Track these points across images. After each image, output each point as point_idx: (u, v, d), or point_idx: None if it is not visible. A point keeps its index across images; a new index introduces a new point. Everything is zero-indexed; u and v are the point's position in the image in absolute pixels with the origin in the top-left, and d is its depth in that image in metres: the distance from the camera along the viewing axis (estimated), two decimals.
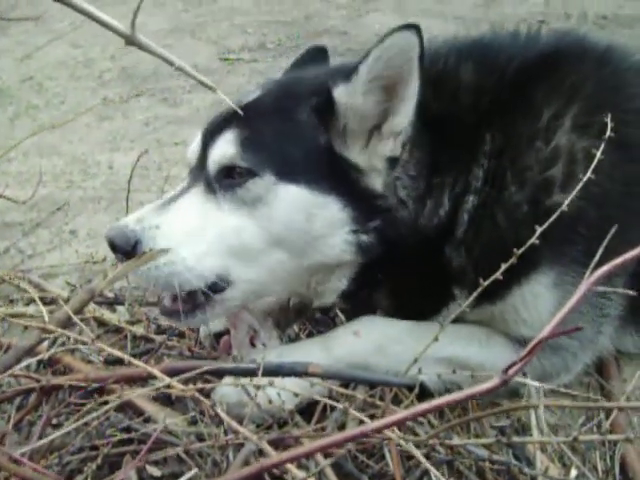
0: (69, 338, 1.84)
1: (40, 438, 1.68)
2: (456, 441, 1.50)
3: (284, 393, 1.71)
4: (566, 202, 1.59)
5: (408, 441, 1.31)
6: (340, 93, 1.86)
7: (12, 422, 1.81)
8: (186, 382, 1.65)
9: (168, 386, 1.53)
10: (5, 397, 1.82)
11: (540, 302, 1.93)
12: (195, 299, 1.90)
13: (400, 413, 1.07)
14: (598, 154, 1.63)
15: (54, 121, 4.54)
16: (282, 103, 1.95)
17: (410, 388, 1.74)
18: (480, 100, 1.97)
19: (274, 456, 1.19)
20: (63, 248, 3.21)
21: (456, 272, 1.97)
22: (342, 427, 1.79)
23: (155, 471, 1.73)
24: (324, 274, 1.99)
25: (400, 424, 1.27)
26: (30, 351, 1.77)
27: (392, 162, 1.90)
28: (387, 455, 1.67)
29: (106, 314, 2.48)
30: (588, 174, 1.61)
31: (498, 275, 1.49)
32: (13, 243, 3.26)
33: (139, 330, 2.36)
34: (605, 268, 1.00)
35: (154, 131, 4.45)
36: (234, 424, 1.41)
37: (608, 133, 1.66)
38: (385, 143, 1.89)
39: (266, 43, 5.96)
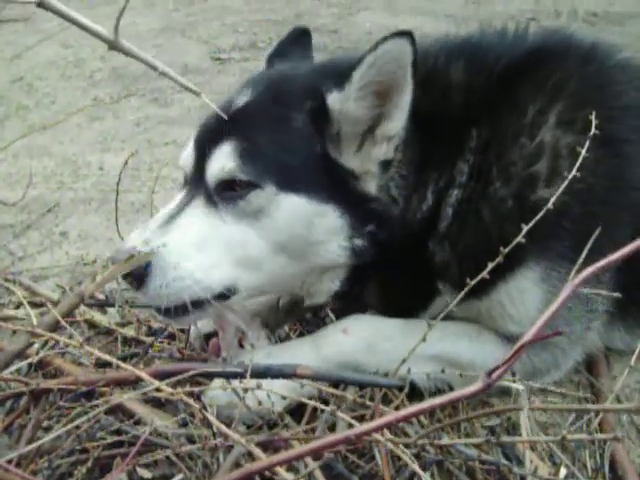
0: (58, 342, 1.84)
1: (30, 441, 1.67)
2: (446, 441, 1.51)
3: (274, 395, 1.71)
4: (552, 199, 1.60)
5: (397, 444, 1.31)
6: (334, 100, 1.87)
7: (2, 426, 1.80)
8: (176, 385, 1.65)
9: (158, 389, 1.52)
10: None
11: (527, 297, 1.94)
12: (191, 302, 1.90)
13: (387, 416, 1.08)
14: (583, 151, 1.64)
15: (44, 122, 4.53)
16: (276, 109, 1.94)
17: (400, 388, 1.75)
18: (469, 98, 1.98)
19: (263, 459, 1.19)
20: (54, 250, 3.20)
21: (440, 267, 1.99)
22: (332, 428, 1.79)
23: (145, 473, 1.73)
24: (317, 275, 2.01)
25: (386, 427, 1.27)
26: (19, 355, 1.76)
27: (385, 165, 1.92)
28: (377, 455, 1.67)
29: (97, 316, 2.47)
30: (574, 171, 1.61)
31: (485, 274, 1.49)
32: (3, 245, 3.25)
33: (130, 332, 2.36)
34: (590, 270, 1.01)
35: (145, 131, 4.44)
36: (223, 427, 1.41)
37: (593, 130, 1.67)
38: (379, 147, 1.90)
39: (257, 42, 5.96)
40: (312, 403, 1.56)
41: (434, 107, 1.94)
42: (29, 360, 1.87)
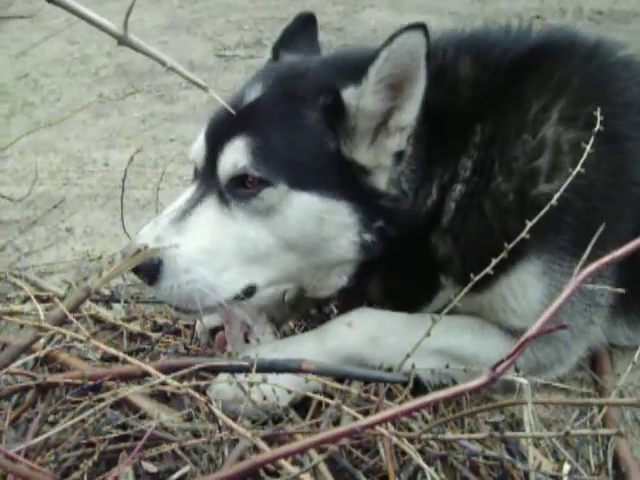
0: (65, 336, 1.85)
1: (36, 435, 1.68)
2: (449, 436, 1.52)
3: (278, 389, 1.72)
4: (556, 196, 1.61)
5: (401, 437, 1.32)
6: (350, 95, 1.88)
7: (9, 419, 1.82)
8: (181, 379, 1.66)
9: (163, 383, 1.54)
10: (2, 394, 1.82)
11: (529, 291, 1.95)
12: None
13: (391, 409, 1.09)
14: (588, 147, 1.65)
15: (50, 118, 4.53)
16: (288, 106, 1.94)
17: (404, 383, 1.75)
18: (476, 93, 2.00)
19: (268, 452, 1.19)
20: (59, 245, 3.21)
21: (442, 260, 2.00)
22: (337, 422, 1.81)
23: (151, 467, 1.74)
24: (326, 270, 2.02)
25: (393, 419, 1.28)
26: (26, 349, 1.78)
27: (398, 157, 1.93)
28: (381, 450, 1.68)
29: (102, 312, 2.49)
30: (578, 167, 1.62)
31: (488, 270, 1.50)
32: (9, 241, 3.26)
33: (135, 327, 2.37)
34: (593, 266, 1.02)
35: (150, 128, 4.45)
36: (229, 421, 1.42)
37: (597, 126, 1.68)
38: (392, 139, 1.91)
39: (262, 39, 5.96)
40: (317, 397, 1.57)
41: (442, 101, 1.95)
42: (35, 354, 1.88)
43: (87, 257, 3.06)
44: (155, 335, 2.27)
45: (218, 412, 1.44)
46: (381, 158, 1.92)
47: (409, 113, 1.88)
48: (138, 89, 5.10)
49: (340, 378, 1.83)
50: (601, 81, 2.06)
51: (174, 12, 6.95)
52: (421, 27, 1.76)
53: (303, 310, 2.30)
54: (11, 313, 2.39)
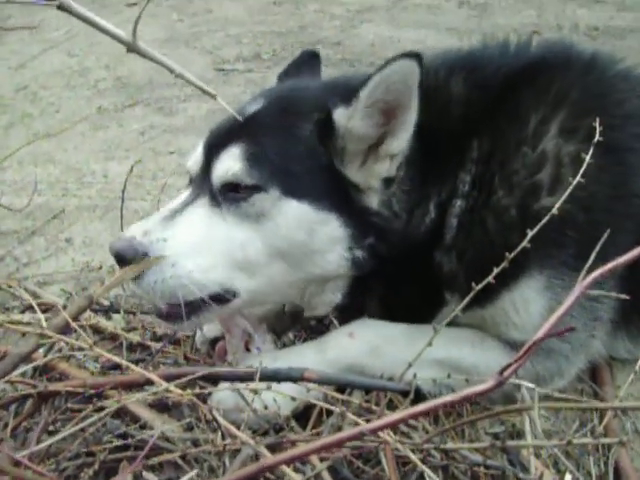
0: (67, 343, 1.85)
1: (37, 444, 1.68)
2: (451, 445, 1.51)
3: (280, 399, 1.72)
4: (555, 206, 1.61)
5: (404, 444, 1.32)
6: (340, 115, 1.90)
7: (9, 428, 1.81)
8: (183, 389, 1.66)
9: (167, 391, 1.53)
10: (3, 402, 1.82)
11: (530, 306, 1.95)
12: (192, 303, 1.91)
13: (396, 414, 1.09)
14: (587, 158, 1.66)
15: (49, 130, 4.54)
16: (285, 117, 1.98)
17: (405, 394, 1.75)
18: (468, 110, 2.01)
19: (274, 457, 1.19)
20: (59, 256, 3.21)
21: (447, 277, 2.00)
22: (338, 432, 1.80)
23: (151, 477, 1.73)
24: (318, 286, 2.02)
25: (396, 425, 1.28)
26: (27, 357, 1.77)
27: (387, 182, 1.94)
28: (383, 460, 1.68)
29: (102, 322, 2.48)
30: (577, 178, 1.63)
31: (490, 279, 1.51)
32: (8, 251, 3.26)
33: (135, 338, 2.36)
34: (598, 272, 1.02)
35: (149, 140, 4.46)
36: (232, 428, 1.42)
37: (597, 137, 1.69)
38: (381, 164, 1.93)
39: (261, 53, 5.98)
40: (321, 404, 1.57)
41: (434, 122, 1.95)
42: (35, 363, 1.88)
43: (86, 268, 3.06)
44: (155, 345, 2.27)
45: (221, 419, 1.44)
46: (371, 181, 1.93)
47: (400, 140, 1.90)
48: (137, 101, 5.11)
49: (342, 387, 1.83)
50: (600, 93, 2.08)
51: (173, 26, 6.98)
52: (416, 55, 1.79)
53: (304, 321, 2.30)
54: (11, 322, 2.38)
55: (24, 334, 1.74)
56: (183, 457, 1.68)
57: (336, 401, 1.72)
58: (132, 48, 1.28)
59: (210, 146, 2.00)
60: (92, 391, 1.69)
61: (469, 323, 2.04)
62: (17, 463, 1.38)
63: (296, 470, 1.57)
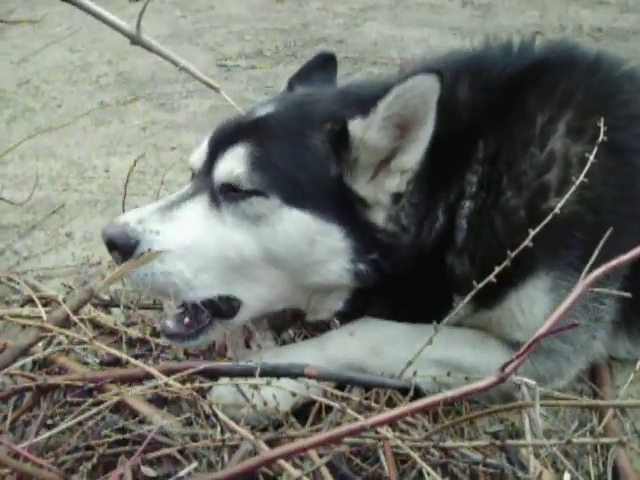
0: (67, 336, 1.85)
1: (35, 437, 1.68)
2: (449, 443, 1.51)
3: (279, 395, 1.72)
4: (559, 205, 1.61)
5: (404, 441, 1.31)
6: (355, 127, 1.88)
7: (8, 421, 1.81)
8: (182, 384, 1.66)
9: (166, 385, 1.53)
10: (1, 396, 1.81)
11: (536, 307, 1.95)
12: (200, 322, 1.92)
13: (395, 410, 1.08)
14: (591, 157, 1.65)
15: (51, 125, 4.53)
16: (296, 125, 1.95)
17: (404, 391, 1.75)
18: (474, 114, 2.00)
19: (275, 450, 1.19)
20: (59, 250, 3.21)
21: (459, 279, 1.98)
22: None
23: (150, 472, 1.73)
24: (321, 294, 2.01)
25: (395, 420, 1.28)
26: (27, 350, 1.77)
27: (397, 197, 1.93)
28: (381, 457, 1.68)
29: (101, 316, 2.48)
30: (581, 177, 1.63)
31: (492, 277, 1.51)
32: (9, 245, 3.26)
33: (134, 332, 2.36)
34: (602, 269, 1.02)
35: (151, 136, 4.45)
36: (231, 423, 1.42)
37: (601, 137, 1.68)
38: (392, 179, 1.91)
39: (263, 50, 5.98)
40: (320, 399, 1.56)
41: (441, 128, 1.91)
42: (35, 356, 1.87)
43: (87, 262, 3.05)
44: (155, 340, 2.26)
45: (220, 413, 1.44)
46: (379, 195, 1.91)
47: (413, 156, 1.88)
48: (139, 97, 5.10)
49: (342, 384, 1.83)
50: (605, 94, 2.07)
51: (176, 22, 6.97)
52: (437, 72, 1.77)
53: (304, 319, 2.29)
54: (12, 315, 2.38)
55: (24, 327, 1.74)
56: (182, 452, 1.68)
57: (335, 398, 1.72)
58: (136, 40, 1.28)
59: (216, 143, 1.98)
60: (91, 385, 1.69)
61: (474, 324, 2.04)
62: (16, 455, 1.38)
63: (295, 466, 1.56)
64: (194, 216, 1.90)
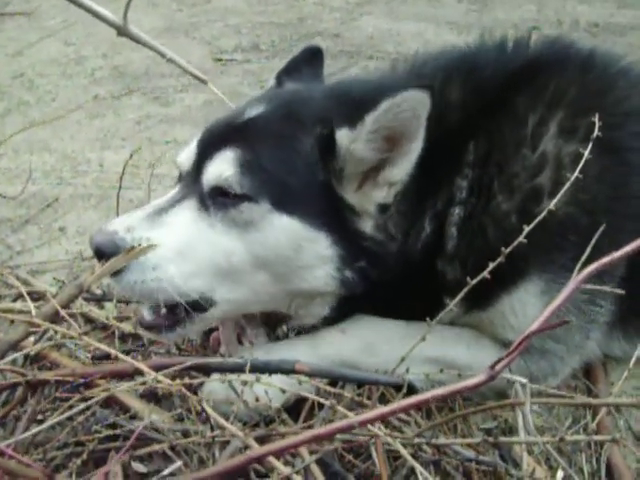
0: (56, 332, 1.83)
1: (25, 432, 1.66)
2: (442, 440, 1.50)
3: (271, 391, 1.71)
4: (552, 203, 1.59)
5: (395, 438, 1.30)
6: (342, 137, 1.85)
7: None
8: (173, 379, 1.64)
9: (155, 381, 1.52)
10: None
11: (528, 309, 1.94)
12: (176, 314, 1.89)
13: (387, 407, 1.07)
14: (584, 157, 1.63)
15: (45, 118, 4.51)
16: (286, 127, 1.92)
17: (397, 388, 1.74)
18: (465, 115, 1.97)
19: (263, 447, 1.18)
20: (52, 245, 3.19)
21: (451, 285, 1.95)
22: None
23: (140, 467, 1.72)
24: (305, 299, 1.99)
25: (387, 417, 1.27)
26: (16, 345, 1.76)
27: (383, 208, 1.90)
28: (373, 454, 1.67)
29: (93, 311, 2.46)
30: (574, 174, 1.61)
31: (485, 274, 1.50)
32: (1, 239, 3.24)
33: (127, 327, 2.34)
34: (593, 266, 1.01)
35: (145, 129, 4.43)
36: (221, 420, 1.41)
37: (594, 136, 1.66)
38: (379, 191, 1.89)
39: (259, 44, 5.95)
40: (312, 396, 1.55)
41: (431, 134, 1.87)
42: (25, 351, 1.86)
43: (80, 257, 3.04)
44: (147, 334, 2.25)
45: (210, 410, 1.42)
46: (366, 205, 1.89)
47: (401, 169, 1.86)
48: (133, 90, 5.08)
49: (334, 380, 1.82)
50: (599, 91, 2.04)
51: (172, 15, 6.93)
52: (428, 88, 1.75)
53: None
54: (2, 310, 2.36)
55: (12, 322, 1.72)
56: (172, 448, 1.67)
57: (328, 394, 1.71)
58: (122, 32, 1.26)
59: (205, 145, 1.94)
60: (81, 380, 1.68)
61: (467, 323, 2.03)
62: (1, 453, 1.36)
63: (286, 463, 1.55)
64: (183, 222, 1.87)
